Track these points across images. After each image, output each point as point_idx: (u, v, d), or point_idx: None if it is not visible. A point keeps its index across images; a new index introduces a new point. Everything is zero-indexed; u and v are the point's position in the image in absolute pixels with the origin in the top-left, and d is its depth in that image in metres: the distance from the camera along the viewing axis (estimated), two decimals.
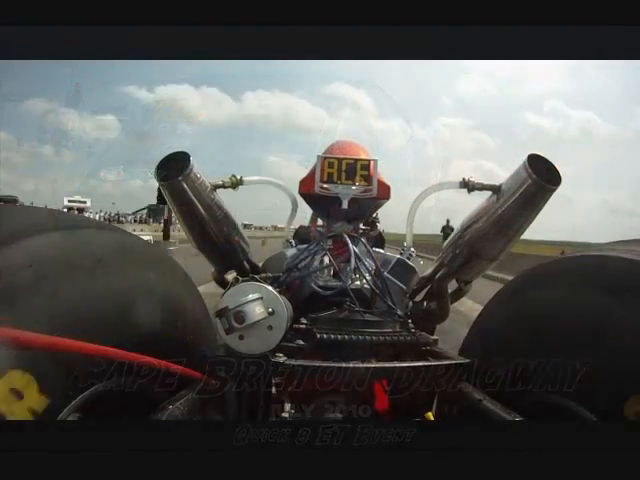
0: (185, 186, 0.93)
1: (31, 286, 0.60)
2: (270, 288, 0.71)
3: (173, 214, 1.03)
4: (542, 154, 0.88)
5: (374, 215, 1.38)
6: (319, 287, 1.06)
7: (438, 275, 1.11)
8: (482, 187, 1.00)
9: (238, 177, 1.10)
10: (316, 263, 1.14)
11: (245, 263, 1.18)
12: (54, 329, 0.56)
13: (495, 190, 0.96)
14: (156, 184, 0.94)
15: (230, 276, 1.15)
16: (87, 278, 0.69)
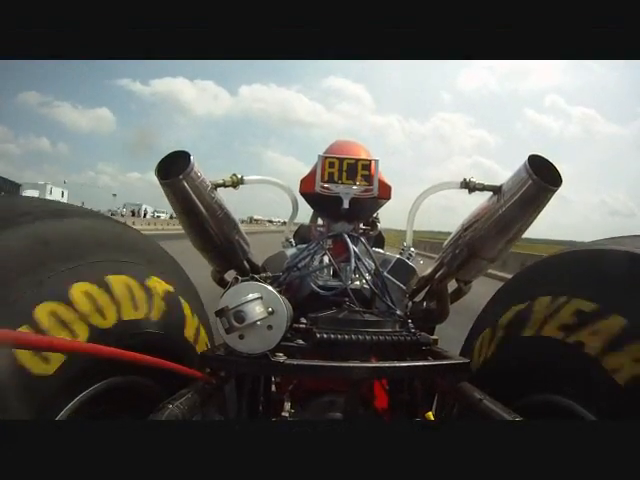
0: (186, 185, 0.92)
1: (18, 273, 0.60)
2: (270, 288, 0.71)
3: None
4: (542, 152, 0.88)
5: (375, 215, 1.38)
6: (319, 287, 1.06)
7: (438, 275, 1.11)
8: (483, 187, 1.00)
9: (239, 176, 1.10)
10: (316, 263, 1.14)
11: (245, 262, 1.18)
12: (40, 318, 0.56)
13: (496, 190, 0.96)
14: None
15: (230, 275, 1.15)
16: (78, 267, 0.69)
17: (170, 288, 0.89)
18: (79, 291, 0.66)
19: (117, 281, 0.74)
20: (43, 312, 0.60)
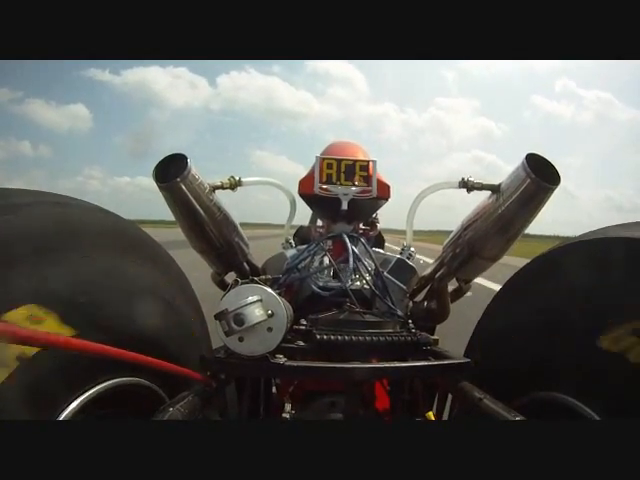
0: (183, 188, 0.93)
1: (10, 264, 0.59)
2: (270, 290, 0.71)
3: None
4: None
5: (374, 215, 1.38)
6: (319, 288, 1.06)
7: (438, 274, 1.11)
8: (481, 187, 1.00)
9: (237, 178, 1.10)
10: (316, 264, 1.14)
11: (245, 264, 1.18)
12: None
13: (494, 189, 0.96)
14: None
15: (229, 277, 1.15)
16: (70, 259, 0.68)
17: (169, 289, 0.89)
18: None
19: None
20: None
